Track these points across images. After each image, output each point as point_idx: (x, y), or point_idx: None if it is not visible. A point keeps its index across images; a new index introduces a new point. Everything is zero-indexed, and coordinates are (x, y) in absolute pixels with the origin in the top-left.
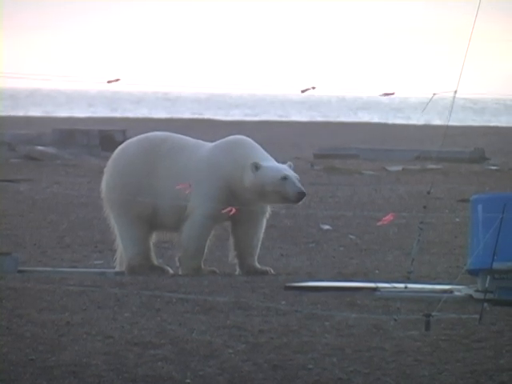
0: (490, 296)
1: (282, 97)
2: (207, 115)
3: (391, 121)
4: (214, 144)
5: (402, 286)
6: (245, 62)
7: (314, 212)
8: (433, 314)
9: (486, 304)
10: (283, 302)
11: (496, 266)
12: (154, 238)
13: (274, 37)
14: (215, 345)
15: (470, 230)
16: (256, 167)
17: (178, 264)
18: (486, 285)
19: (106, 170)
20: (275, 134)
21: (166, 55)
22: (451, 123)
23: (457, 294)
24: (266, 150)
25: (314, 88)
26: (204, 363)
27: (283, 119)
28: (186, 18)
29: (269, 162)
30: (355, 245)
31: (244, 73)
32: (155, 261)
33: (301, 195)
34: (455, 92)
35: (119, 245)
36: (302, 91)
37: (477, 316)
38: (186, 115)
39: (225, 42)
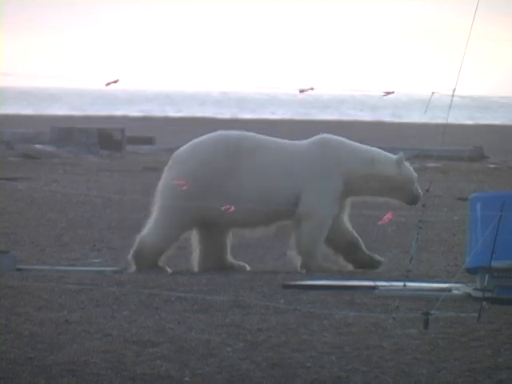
0: (488, 294)
1: (282, 95)
2: (208, 114)
3: (390, 119)
4: (312, 142)
5: (400, 284)
6: (246, 61)
7: None
8: (431, 312)
9: (484, 302)
10: (282, 301)
11: (494, 264)
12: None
13: (272, 36)
14: (214, 343)
15: (469, 228)
16: (399, 161)
17: (298, 266)
18: (485, 283)
19: (170, 170)
20: (275, 134)
21: (166, 54)
22: (451, 121)
23: (455, 292)
24: None
25: (312, 89)
26: (202, 361)
27: (277, 117)
28: (184, 16)
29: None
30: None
31: (245, 71)
32: (163, 259)
33: (418, 200)
34: (454, 91)
35: (194, 247)
36: (301, 91)
37: (475, 314)
38: (184, 114)
39: (223, 40)
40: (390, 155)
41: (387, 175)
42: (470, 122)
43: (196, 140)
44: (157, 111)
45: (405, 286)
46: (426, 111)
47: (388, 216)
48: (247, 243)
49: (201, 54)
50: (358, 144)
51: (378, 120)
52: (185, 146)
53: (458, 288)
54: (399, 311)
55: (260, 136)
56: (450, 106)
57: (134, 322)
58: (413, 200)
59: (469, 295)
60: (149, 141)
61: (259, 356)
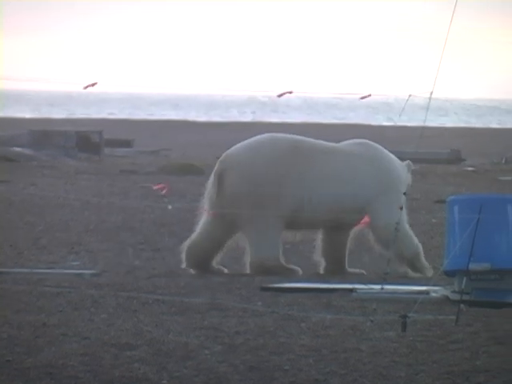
0: (466, 297)
1: (262, 98)
2: (187, 117)
3: (368, 122)
4: (359, 149)
5: (378, 287)
6: (228, 64)
7: None
8: (409, 315)
9: (462, 305)
10: (259, 303)
11: (472, 266)
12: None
13: (251, 39)
14: (191, 346)
15: (447, 230)
16: (410, 166)
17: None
18: (463, 286)
19: (234, 172)
20: (249, 136)
21: (146, 57)
22: (428, 124)
23: (433, 295)
24: None
25: (291, 92)
26: (180, 364)
27: (256, 120)
28: (163, 19)
29: None
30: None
31: (225, 75)
32: (284, 262)
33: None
34: (431, 93)
35: (250, 247)
36: (279, 96)
37: (453, 317)
38: (165, 116)
39: (206, 43)
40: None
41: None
42: (448, 125)
43: (252, 142)
44: (135, 114)
45: (382, 288)
46: (401, 113)
47: (366, 219)
48: (226, 245)
49: (183, 57)
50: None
51: (355, 122)
52: (241, 149)
53: (435, 291)
54: (377, 314)
55: (313, 140)
56: (428, 109)
57: (111, 324)
58: None
59: (447, 298)
60: (127, 143)
61: (237, 359)
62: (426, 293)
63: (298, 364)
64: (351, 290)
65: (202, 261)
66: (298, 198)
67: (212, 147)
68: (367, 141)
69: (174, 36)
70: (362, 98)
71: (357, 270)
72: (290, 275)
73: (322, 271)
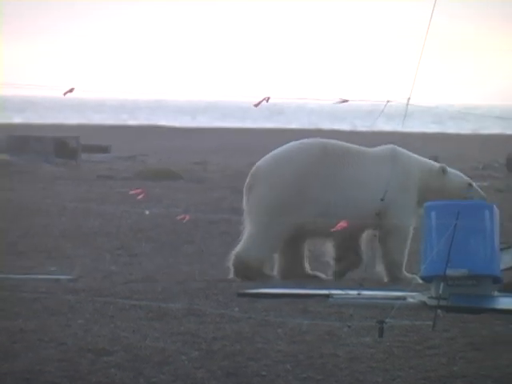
0: (443, 302)
1: (242, 103)
2: (164, 122)
3: (346, 128)
4: (382, 154)
5: (355, 292)
6: (205, 68)
7: None
8: (386, 320)
9: (439, 311)
10: (236, 309)
11: (449, 272)
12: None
13: (228, 44)
14: (168, 352)
15: (424, 236)
16: (444, 171)
17: (385, 279)
18: (440, 291)
19: (257, 184)
20: (227, 141)
21: (123, 62)
22: (406, 130)
23: (410, 300)
24: None
25: (267, 100)
26: (157, 370)
27: (235, 126)
28: (139, 23)
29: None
30: (309, 251)
31: (201, 79)
32: (267, 268)
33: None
34: (408, 99)
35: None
36: (255, 105)
37: (430, 322)
38: (140, 122)
39: (182, 48)
40: (443, 166)
41: (432, 187)
42: (426, 130)
43: (282, 150)
44: (112, 119)
45: (359, 294)
46: (377, 117)
47: (342, 224)
48: (201, 251)
49: (160, 63)
50: (415, 156)
51: (332, 128)
52: (269, 158)
53: (412, 296)
54: (354, 319)
55: (344, 143)
56: (405, 115)
57: (88, 330)
58: None
59: (424, 303)
60: (104, 149)
61: (214, 365)
62: (403, 298)
63: (275, 370)
64: (328, 296)
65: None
66: (325, 205)
67: (189, 153)
68: (395, 146)
69: (150, 42)
70: (340, 101)
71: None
72: (265, 281)
73: (385, 280)
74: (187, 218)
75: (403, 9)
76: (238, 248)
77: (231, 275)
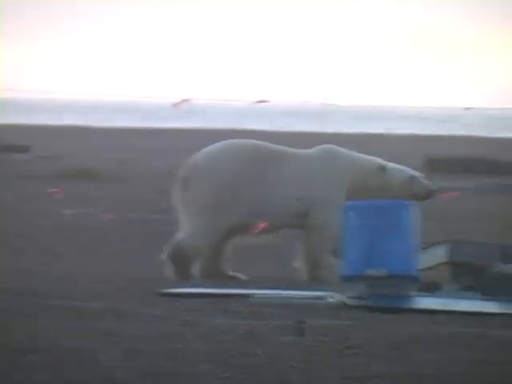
0: (363, 302)
1: (155, 104)
2: (85, 122)
3: (268, 128)
4: (314, 153)
5: (275, 292)
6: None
7: None
8: (306, 320)
9: (358, 310)
10: (158, 309)
11: (369, 272)
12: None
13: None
14: (88, 351)
15: (344, 236)
16: (383, 169)
17: (306, 277)
18: (360, 291)
19: (197, 180)
20: (149, 141)
21: (47, 61)
22: (326, 130)
23: (330, 300)
24: None
25: (186, 101)
26: (77, 369)
27: (157, 126)
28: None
29: (389, 163)
30: (231, 252)
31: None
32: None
33: (431, 192)
34: (327, 99)
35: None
36: (174, 105)
37: (350, 322)
38: (61, 122)
39: (111, 48)
40: (382, 165)
41: (370, 186)
42: (349, 131)
43: (218, 147)
44: (32, 119)
45: (280, 293)
46: (299, 119)
47: (261, 225)
48: (124, 250)
49: (87, 61)
50: (356, 154)
51: (252, 128)
52: (206, 154)
53: (332, 296)
54: (274, 319)
55: (273, 145)
56: (326, 114)
57: (8, 329)
58: (420, 196)
59: (343, 303)
60: (24, 149)
61: (134, 364)
62: (323, 298)
63: (196, 369)
64: (248, 296)
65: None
66: (255, 202)
67: (110, 152)
68: (331, 146)
69: (77, 41)
70: (260, 102)
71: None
72: (181, 275)
73: (306, 279)
74: (109, 217)
75: (326, 11)
76: (182, 234)
77: (166, 268)
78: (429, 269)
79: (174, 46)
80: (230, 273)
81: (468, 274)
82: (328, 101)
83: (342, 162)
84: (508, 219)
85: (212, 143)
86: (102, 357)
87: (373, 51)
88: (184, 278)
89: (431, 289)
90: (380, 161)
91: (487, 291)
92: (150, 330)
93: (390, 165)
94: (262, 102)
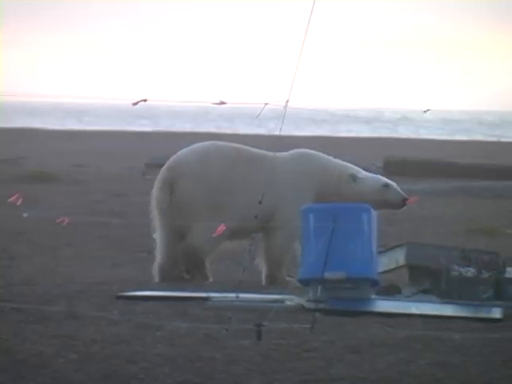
0: (321, 305)
1: (113, 107)
2: (42, 125)
3: (223, 130)
4: (289, 156)
5: (233, 295)
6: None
7: (145, 221)
8: (264, 323)
9: (317, 313)
10: (115, 312)
11: (327, 275)
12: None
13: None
14: (47, 354)
15: (302, 239)
16: (354, 178)
17: (263, 277)
18: (317, 294)
19: (187, 180)
20: (107, 144)
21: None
22: (284, 133)
23: (288, 303)
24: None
25: (145, 101)
26: (36, 373)
27: (115, 129)
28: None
29: (361, 171)
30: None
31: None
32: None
33: (405, 201)
34: (287, 102)
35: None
36: (134, 104)
37: (308, 325)
38: (21, 124)
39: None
40: (352, 174)
41: (343, 192)
42: (307, 134)
43: (199, 148)
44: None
45: (238, 297)
46: (257, 116)
47: (221, 228)
48: (81, 253)
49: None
50: (331, 160)
51: (208, 131)
52: (190, 156)
53: (290, 299)
54: (232, 322)
55: (250, 148)
56: (283, 118)
57: None
58: (394, 205)
59: (301, 306)
60: None
61: (92, 367)
62: (281, 301)
63: (154, 373)
64: (206, 299)
65: (177, 275)
66: (247, 206)
67: (66, 155)
68: (306, 150)
69: (29, 44)
70: (218, 103)
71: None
72: (199, 278)
73: (263, 279)
74: (66, 221)
75: (286, 14)
76: (189, 239)
77: (156, 279)
78: (388, 272)
79: (130, 49)
80: (187, 276)
81: (426, 277)
82: (280, 104)
83: (313, 165)
84: (471, 222)
85: (170, 146)
86: (61, 360)
87: (329, 53)
88: (203, 279)
89: (390, 292)
90: (356, 169)
91: (445, 294)
92: (107, 333)
93: (364, 173)
94: (220, 104)
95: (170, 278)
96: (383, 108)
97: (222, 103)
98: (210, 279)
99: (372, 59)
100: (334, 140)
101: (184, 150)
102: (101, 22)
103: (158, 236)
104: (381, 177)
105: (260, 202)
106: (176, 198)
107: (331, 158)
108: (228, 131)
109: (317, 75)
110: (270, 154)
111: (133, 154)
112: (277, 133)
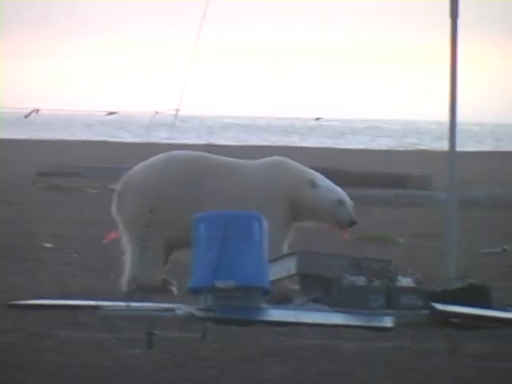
0: (211, 314)
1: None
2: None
3: (113, 139)
4: (260, 165)
5: (124, 304)
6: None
7: (36, 229)
8: (155, 332)
9: (208, 322)
10: (6, 320)
11: (218, 284)
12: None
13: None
14: None
15: (193, 248)
16: (312, 184)
17: None
18: (208, 303)
19: (127, 191)
20: None
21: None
22: (177, 141)
23: (178, 312)
24: None
25: (37, 112)
26: None
27: (5, 137)
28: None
29: (325, 181)
30: (79, 263)
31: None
32: (162, 281)
33: (352, 223)
34: (177, 110)
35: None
36: (25, 116)
37: (199, 334)
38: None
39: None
40: (312, 179)
41: (304, 200)
42: (201, 142)
43: (149, 162)
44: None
45: (129, 306)
46: (147, 127)
47: (113, 235)
48: None
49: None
50: (300, 167)
51: (100, 140)
52: (141, 167)
53: (181, 308)
54: (123, 331)
55: (217, 156)
56: (174, 126)
57: None
58: (340, 223)
59: (192, 315)
60: None
61: None
62: (172, 310)
63: (45, 381)
64: (97, 308)
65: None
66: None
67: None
68: (277, 158)
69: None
70: (109, 113)
71: None
72: (165, 293)
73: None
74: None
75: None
76: (133, 271)
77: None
78: (279, 280)
79: (22, 57)
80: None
81: (318, 286)
82: (170, 112)
83: (285, 174)
84: (362, 230)
85: (63, 155)
86: None
87: (221, 61)
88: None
89: (281, 300)
90: (320, 177)
91: (336, 303)
92: None
93: (326, 182)
94: (110, 114)
95: (141, 289)
96: (274, 117)
97: (112, 113)
98: (175, 291)
99: (267, 67)
100: (223, 148)
101: (142, 162)
102: None
103: (128, 248)
104: (341, 192)
105: (151, 211)
106: (122, 210)
107: (301, 165)
108: (119, 140)
109: (209, 83)
110: (238, 161)
111: (23, 162)
112: (169, 141)
